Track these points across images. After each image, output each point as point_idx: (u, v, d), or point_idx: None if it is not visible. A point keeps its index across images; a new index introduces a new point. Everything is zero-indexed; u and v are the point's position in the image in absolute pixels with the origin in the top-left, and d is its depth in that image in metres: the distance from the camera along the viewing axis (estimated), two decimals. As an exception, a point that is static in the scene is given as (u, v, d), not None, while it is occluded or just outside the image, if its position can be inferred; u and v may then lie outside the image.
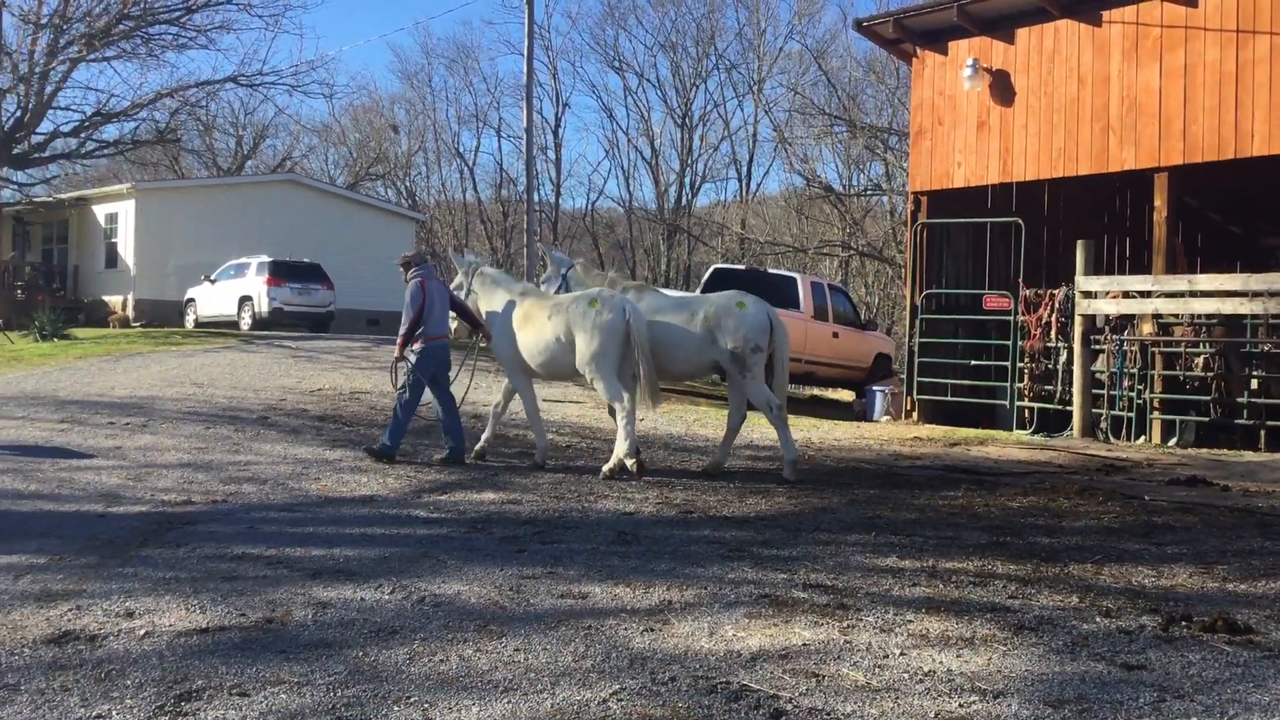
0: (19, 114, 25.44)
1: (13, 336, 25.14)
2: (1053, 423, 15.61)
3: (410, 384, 10.84)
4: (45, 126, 27.01)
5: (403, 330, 10.86)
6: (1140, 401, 14.79)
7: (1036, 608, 5.99)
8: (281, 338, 22.78)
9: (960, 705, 4.50)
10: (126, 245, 32.66)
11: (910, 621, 5.67)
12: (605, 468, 10.25)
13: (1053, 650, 5.23)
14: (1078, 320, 15.07)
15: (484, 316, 11.25)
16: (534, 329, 10.68)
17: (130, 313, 31.61)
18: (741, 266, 26.01)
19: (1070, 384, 15.21)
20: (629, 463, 10.21)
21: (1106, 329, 15.11)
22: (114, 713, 4.35)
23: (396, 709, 4.41)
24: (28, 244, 36.63)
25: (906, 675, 4.85)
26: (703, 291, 19.42)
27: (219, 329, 27.14)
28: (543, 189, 54.63)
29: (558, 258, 11.92)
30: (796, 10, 66.77)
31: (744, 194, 56.12)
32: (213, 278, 29.49)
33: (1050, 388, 15.69)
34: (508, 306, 11.00)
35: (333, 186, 44.67)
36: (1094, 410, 15.00)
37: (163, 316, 30.89)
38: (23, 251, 36.26)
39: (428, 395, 11.12)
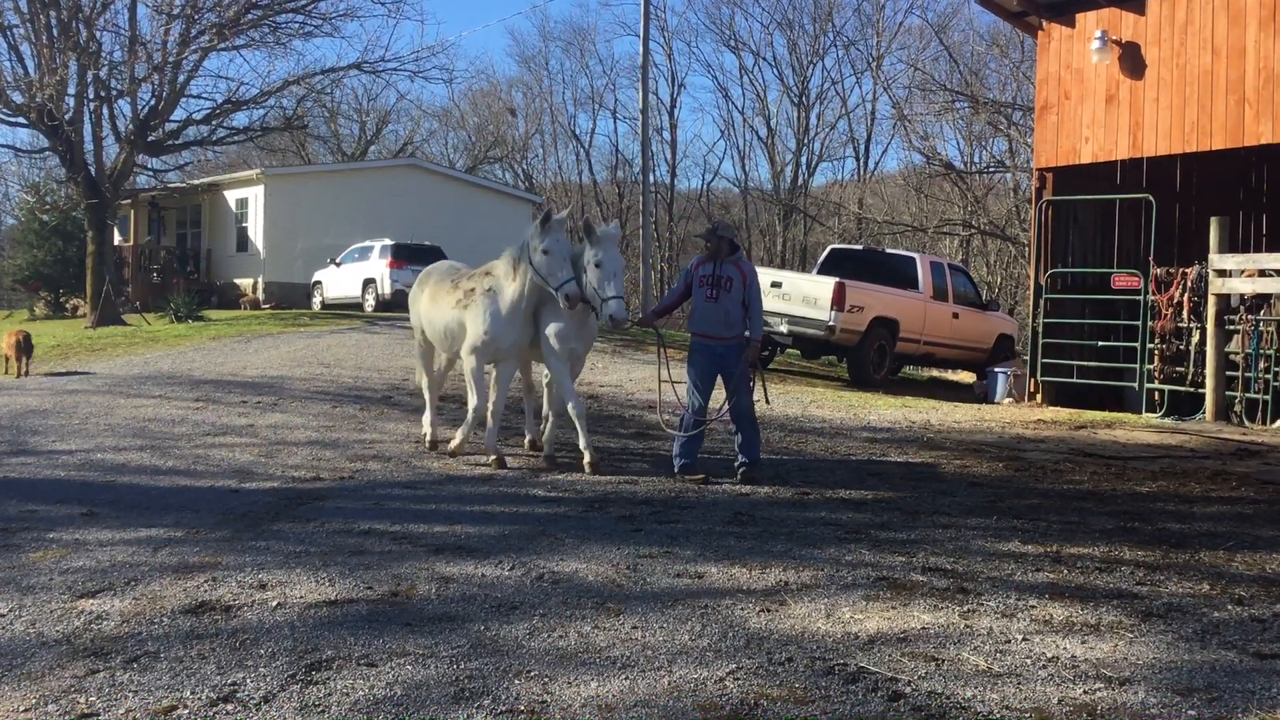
0: (153, 102, 26.26)
1: (149, 318, 26.16)
2: (1184, 406, 15.12)
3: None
4: (178, 114, 27.80)
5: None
6: (1277, 384, 14.23)
7: (1165, 594, 5.85)
8: (404, 319, 23.17)
9: (1085, 692, 4.42)
10: (256, 229, 33.67)
11: (1033, 607, 5.58)
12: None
13: (1182, 638, 5.11)
14: (1211, 300, 14.55)
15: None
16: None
17: (260, 295, 32.60)
18: (859, 246, 25.67)
19: (1203, 365, 14.70)
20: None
21: (1241, 309, 14.58)
22: (248, 680, 4.52)
23: (517, 682, 4.50)
24: (163, 229, 37.95)
25: (1029, 661, 4.78)
26: (819, 273, 19.29)
27: (344, 311, 27.82)
28: (658, 170, 54.87)
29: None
30: (917, -16, 65.53)
31: (861, 173, 55.52)
32: (338, 261, 30.22)
33: (1181, 369, 15.20)
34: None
35: (452, 170, 45.43)
36: (1228, 393, 14.48)
37: (291, 298, 31.80)
38: (158, 236, 37.59)
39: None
